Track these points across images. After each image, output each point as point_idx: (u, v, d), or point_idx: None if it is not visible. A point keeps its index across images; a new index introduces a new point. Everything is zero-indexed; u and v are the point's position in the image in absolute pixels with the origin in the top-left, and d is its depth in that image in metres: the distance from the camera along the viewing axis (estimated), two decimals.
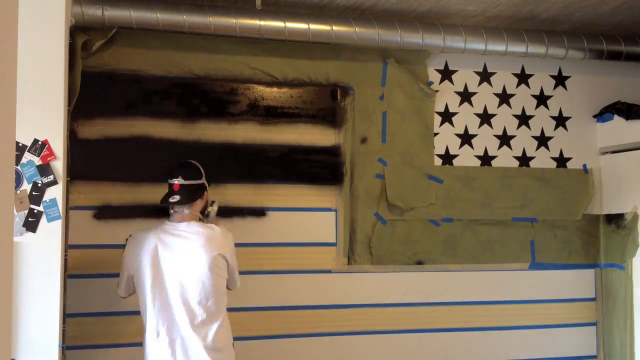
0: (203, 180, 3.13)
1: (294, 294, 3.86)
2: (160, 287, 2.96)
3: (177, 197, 3.03)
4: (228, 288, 3.17)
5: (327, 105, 3.97)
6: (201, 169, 3.15)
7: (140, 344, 3.66)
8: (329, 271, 3.91)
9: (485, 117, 4.23)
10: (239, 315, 3.73)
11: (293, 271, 3.86)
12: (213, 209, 3.21)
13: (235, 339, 3.70)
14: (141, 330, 3.59)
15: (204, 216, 3.16)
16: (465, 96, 4.21)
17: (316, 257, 3.89)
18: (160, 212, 3.63)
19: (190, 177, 3.08)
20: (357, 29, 3.77)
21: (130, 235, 3.15)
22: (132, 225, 3.60)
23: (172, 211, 3.10)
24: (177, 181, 3.04)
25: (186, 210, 3.07)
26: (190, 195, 3.06)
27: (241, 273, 3.71)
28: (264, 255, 3.82)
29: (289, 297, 3.85)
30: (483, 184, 4.18)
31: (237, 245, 3.20)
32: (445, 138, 4.15)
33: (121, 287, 3.10)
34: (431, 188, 4.08)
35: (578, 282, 4.32)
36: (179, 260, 2.98)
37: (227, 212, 3.73)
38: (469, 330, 4.11)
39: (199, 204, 3.11)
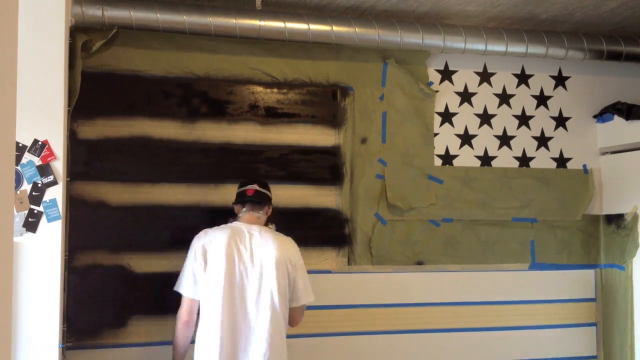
0: (271, 196, 3.33)
1: None
2: (232, 282, 3.01)
3: (252, 198, 3.23)
4: (292, 307, 3.18)
5: (327, 106, 3.97)
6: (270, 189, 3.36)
7: (139, 344, 3.67)
8: (329, 272, 3.91)
9: (485, 118, 4.23)
10: None
11: None
12: (272, 227, 3.39)
13: None
14: (140, 331, 3.60)
15: None
16: (465, 96, 4.21)
17: (316, 258, 3.89)
18: (164, 212, 3.64)
19: (264, 187, 3.31)
20: (357, 29, 3.77)
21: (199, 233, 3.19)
22: (132, 225, 3.60)
23: (241, 213, 3.25)
24: (253, 187, 3.26)
25: (256, 214, 3.24)
26: (262, 201, 3.25)
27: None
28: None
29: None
30: (483, 184, 4.18)
31: None
32: (445, 138, 4.15)
33: (187, 286, 3.08)
34: (431, 188, 4.08)
35: (578, 282, 4.32)
36: (253, 259, 3.06)
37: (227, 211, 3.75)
38: (469, 331, 4.11)
39: (266, 212, 3.27)
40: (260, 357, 2.98)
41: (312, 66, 3.94)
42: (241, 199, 3.26)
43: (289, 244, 3.18)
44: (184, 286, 3.11)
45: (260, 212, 3.26)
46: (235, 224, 3.22)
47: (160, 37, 3.67)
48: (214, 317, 2.99)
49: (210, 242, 3.08)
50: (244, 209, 3.24)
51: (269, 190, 3.32)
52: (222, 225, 3.22)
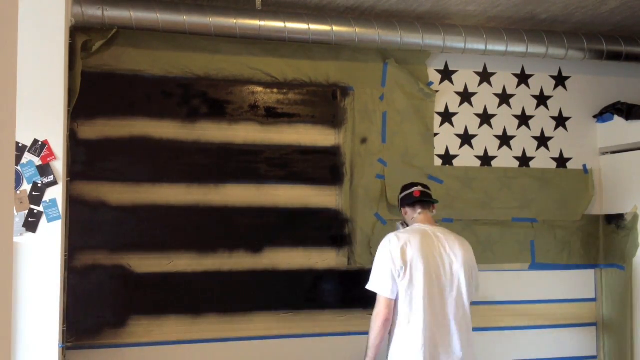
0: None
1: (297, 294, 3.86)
2: (431, 283, 3.10)
3: (422, 198, 3.34)
4: None
5: (327, 106, 3.97)
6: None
7: (139, 344, 3.66)
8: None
9: (485, 118, 4.23)
10: (247, 315, 3.74)
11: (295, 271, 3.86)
12: (405, 226, 3.46)
13: (239, 339, 3.71)
14: (140, 331, 3.60)
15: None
16: (465, 96, 4.21)
17: (316, 258, 3.89)
18: (164, 212, 3.64)
19: (425, 187, 3.43)
20: (357, 29, 3.77)
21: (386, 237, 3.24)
22: (132, 225, 3.60)
23: (415, 215, 3.33)
24: (417, 188, 3.38)
25: (429, 213, 3.36)
26: (431, 200, 3.38)
27: (240, 274, 3.71)
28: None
29: (290, 297, 3.85)
30: (483, 184, 4.18)
31: None
32: (445, 138, 4.15)
33: (385, 287, 3.12)
34: (431, 188, 4.08)
35: (578, 282, 4.32)
36: (443, 260, 3.16)
37: (227, 211, 3.75)
38: None
39: (433, 210, 3.40)
40: (458, 351, 3.11)
41: (312, 66, 3.94)
42: (410, 200, 3.36)
43: (468, 246, 3.29)
44: (383, 287, 3.13)
45: (433, 210, 3.38)
46: (418, 226, 3.28)
47: (160, 37, 3.67)
48: (417, 315, 3.07)
49: (406, 245, 3.14)
50: (418, 211, 3.34)
51: (429, 189, 3.43)
52: (406, 229, 3.28)
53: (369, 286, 3.18)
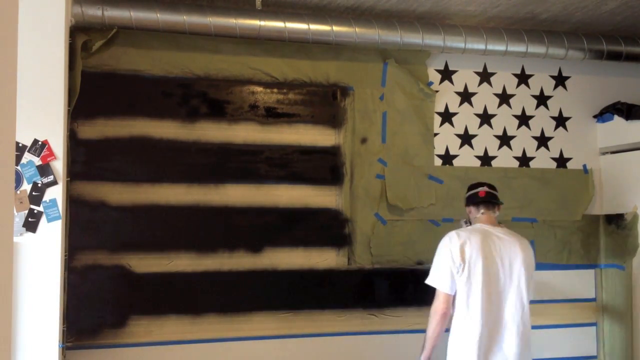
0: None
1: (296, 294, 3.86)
2: (489, 280, 3.15)
3: (486, 199, 3.35)
4: None
5: (327, 106, 3.97)
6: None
7: (139, 344, 3.67)
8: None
9: (485, 118, 4.23)
10: (247, 315, 3.74)
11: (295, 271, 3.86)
12: (467, 225, 3.50)
13: (239, 339, 3.71)
14: (140, 331, 3.60)
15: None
16: (465, 96, 4.21)
17: (316, 258, 3.89)
18: (164, 212, 3.64)
19: (492, 188, 3.43)
20: (357, 29, 3.77)
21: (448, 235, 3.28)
22: (132, 225, 3.60)
23: (479, 215, 3.35)
24: (483, 189, 3.39)
25: (492, 214, 3.37)
26: (495, 201, 3.39)
27: (240, 274, 3.72)
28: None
29: (290, 297, 3.85)
30: None
31: None
32: (445, 138, 4.15)
33: (444, 283, 3.18)
34: (431, 188, 4.08)
35: (578, 282, 4.32)
36: (503, 259, 3.20)
37: (227, 211, 3.75)
38: None
39: (498, 211, 3.40)
40: (513, 349, 3.14)
41: (312, 66, 3.94)
42: (475, 200, 3.39)
43: (528, 245, 3.32)
44: (442, 283, 3.19)
45: (497, 211, 3.39)
46: (480, 226, 3.31)
47: (160, 37, 3.67)
48: (474, 312, 3.13)
49: (466, 244, 3.19)
50: (482, 211, 3.37)
51: (496, 190, 3.43)
52: (468, 228, 3.33)
53: (429, 281, 3.24)
